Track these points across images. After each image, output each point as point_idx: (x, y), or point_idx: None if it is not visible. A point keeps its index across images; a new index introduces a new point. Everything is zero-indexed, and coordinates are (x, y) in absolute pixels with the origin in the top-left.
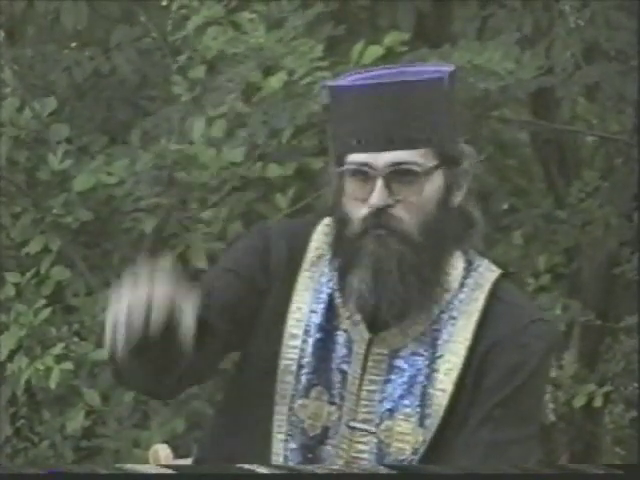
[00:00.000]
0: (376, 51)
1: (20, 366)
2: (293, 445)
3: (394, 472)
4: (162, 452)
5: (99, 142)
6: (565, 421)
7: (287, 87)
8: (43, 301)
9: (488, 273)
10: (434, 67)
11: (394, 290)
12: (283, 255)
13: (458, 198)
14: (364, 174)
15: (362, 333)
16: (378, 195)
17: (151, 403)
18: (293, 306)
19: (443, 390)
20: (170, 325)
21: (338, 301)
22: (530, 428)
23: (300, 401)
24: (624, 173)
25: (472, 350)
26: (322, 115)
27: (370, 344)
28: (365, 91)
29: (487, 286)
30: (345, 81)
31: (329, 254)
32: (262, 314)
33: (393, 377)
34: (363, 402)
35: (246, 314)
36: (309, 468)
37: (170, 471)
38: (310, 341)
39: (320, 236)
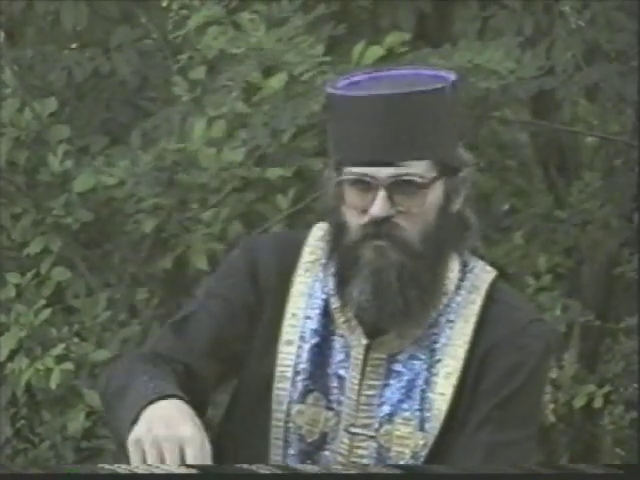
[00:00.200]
0: (377, 51)
1: (20, 367)
2: (291, 451)
3: (396, 472)
4: None
5: (99, 143)
6: (565, 422)
7: (288, 87)
8: (43, 302)
9: (484, 274)
10: (435, 72)
11: (394, 302)
12: (272, 268)
13: (457, 205)
14: (365, 184)
15: (360, 338)
16: (380, 206)
17: None
18: (288, 313)
19: (442, 394)
20: None
21: (334, 306)
22: (529, 429)
23: (297, 407)
24: (624, 174)
25: (471, 353)
26: (323, 115)
27: (368, 349)
28: (365, 102)
29: (483, 288)
30: (344, 90)
31: (324, 259)
32: (257, 330)
33: (392, 381)
34: (362, 407)
35: (236, 342)
36: (310, 468)
37: (170, 471)
38: (306, 347)
39: (314, 241)
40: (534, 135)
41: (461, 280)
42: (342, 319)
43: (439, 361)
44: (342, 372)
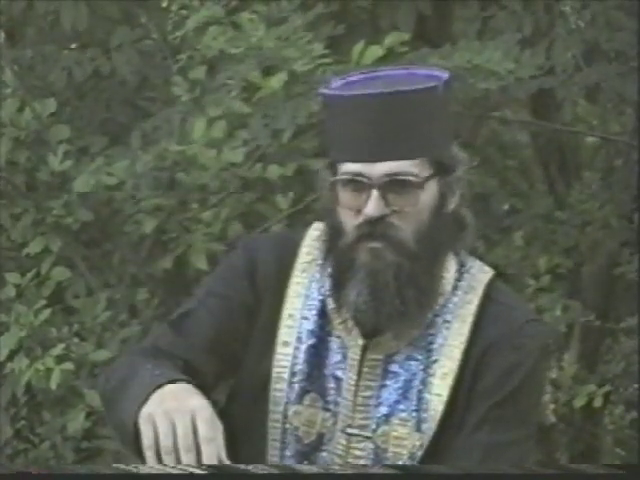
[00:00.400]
0: (376, 51)
1: (20, 367)
2: (288, 452)
3: (394, 472)
4: None
5: (99, 143)
6: (565, 422)
7: (287, 87)
8: (43, 302)
9: (481, 275)
10: (429, 71)
11: (392, 303)
12: (271, 268)
13: (452, 205)
14: (359, 184)
15: (356, 339)
16: (374, 205)
17: None
18: (285, 313)
19: (439, 394)
20: None
21: (330, 307)
22: (527, 429)
23: (294, 408)
24: (624, 174)
25: (467, 353)
26: (322, 115)
27: (365, 350)
28: (359, 101)
29: (480, 288)
30: (339, 90)
31: (320, 260)
32: (255, 330)
33: (388, 382)
34: (359, 408)
35: (235, 341)
36: (309, 468)
37: (170, 471)
38: (302, 348)
39: (311, 241)
40: (534, 135)
41: (458, 280)
42: (338, 320)
43: (435, 361)
44: (339, 373)
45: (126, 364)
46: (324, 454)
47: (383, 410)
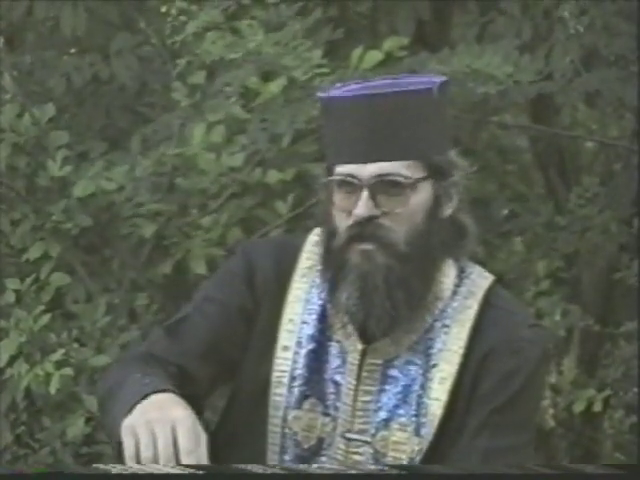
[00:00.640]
0: (375, 56)
1: (20, 372)
2: (287, 457)
3: (395, 472)
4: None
5: (99, 148)
6: (565, 426)
7: (286, 92)
8: (43, 307)
9: (480, 280)
10: (426, 78)
11: (382, 306)
12: (270, 272)
13: (449, 209)
14: (350, 185)
15: (355, 344)
16: (362, 206)
17: None
18: (285, 318)
19: (438, 399)
20: None
21: (330, 312)
22: (527, 434)
23: (293, 413)
24: (624, 179)
25: (466, 358)
26: (321, 120)
27: (364, 354)
28: (352, 102)
29: (480, 293)
30: (335, 92)
31: (319, 264)
32: (254, 334)
33: (387, 387)
34: (358, 413)
35: (232, 346)
36: (309, 468)
37: (170, 471)
38: (302, 352)
39: (311, 246)
40: (533, 140)
41: (457, 286)
42: (338, 325)
43: (434, 366)
44: (338, 378)
45: (117, 372)
46: (323, 459)
47: (382, 415)
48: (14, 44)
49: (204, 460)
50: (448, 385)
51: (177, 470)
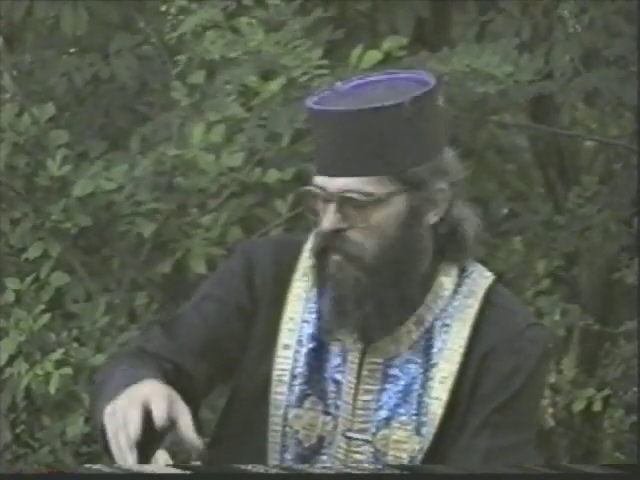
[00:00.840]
0: (375, 56)
1: (20, 372)
2: (288, 455)
3: (396, 472)
4: (161, 458)
5: (98, 148)
6: (564, 426)
7: (286, 91)
8: (42, 307)
9: (481, 279)
10: (417, 77)
11: (353, 315)
12: (269, 271)
13: (434, 217)
14: (321, 196)
15: (355, 342)
16: (328, 219)
17: None
18: (286, 317)
19: (438, 398)
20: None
21: None
22: (528, 433)
23: (294, 411)
24: (623, 178)
25: (467, 357)
26: None
27: (364, 353)
28: (323, 117)
29: (480, 292)
30: (314, 103)
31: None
32: (253, 333)
33: (388, 386)
34: (359, 411)
35: (230, 345)
36: (309, 468)
37: (170, 471)
38: (303, 351)
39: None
40: (533, 139)
41: (458, 285)
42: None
43: (435, 365)
44: (339, 376)
45: (108, 367)
46: (324, 457)
47: (383, 414)
48: (14, 44)
49: (189, 428)
50: (449, 384)
51: (177, 470)
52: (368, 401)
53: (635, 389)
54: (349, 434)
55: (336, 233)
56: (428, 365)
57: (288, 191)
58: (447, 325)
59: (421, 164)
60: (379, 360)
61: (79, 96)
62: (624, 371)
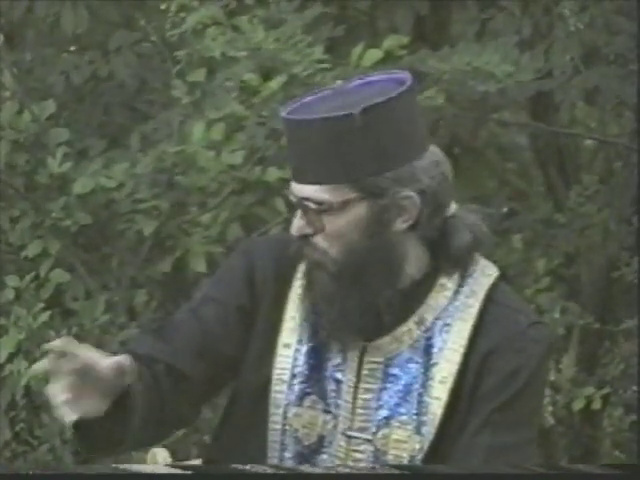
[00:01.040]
0: (376, 54)
1: (19, 369)
2: (288, 454)
3: (396, 472)
4: (160, 455)
5: (98, 146)
6: (564, 424)
7: (286, 88)
8: (42, 304)
9: (483, 278)
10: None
11: (327, 316)
12: (270, 270)
13: (404, 224)
14: (293, 202)
15: (355, 341)
16: (295, 224)
17: None
18: (287, 316)
19: (438, 398)
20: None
21: None
22: (529, 432)
23: (294, 410)
24: (623, 177)
25: (468, 356)
26: None
27: (364, 352)
28: (289, 125)
29: (482, 292)
30: (286, 112)
31: None
32: (253, 333)
33: (388, 385)
34: (359, 410)
35: (229, 346)
36: (309, 468)
37: (169, 471)
38: (303, 350)
39: None
40: (533, 138)
41: (460, 285)
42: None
43: (435, 365)
44: (339, 375)
45: None
46: (324, 456)
47: (383, 413)
48: (14, 41)
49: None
50: (449, 384)
51: (177, 470)
52: (368, 400)
53: (635, 388)
54: (349, 433)
55: (304, 238)
56: (429, 364)
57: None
58: (448, 325)
59: (381, 173)
60: (379, 359)
61: (79, 94)
62: (624, 370)
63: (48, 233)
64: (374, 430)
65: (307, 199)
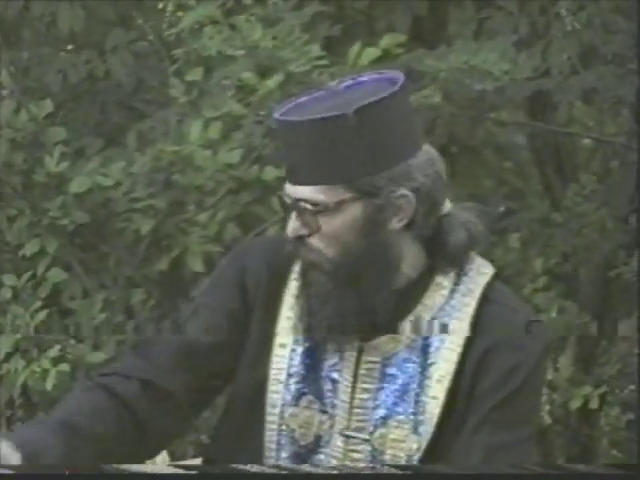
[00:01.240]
0: (373, 53)
1: (16, 368)
2: (284, 454)
3: (394, 472)
4: (159, 455)
5: (95, 144)
6: (561, 424)
7: (283, 87)
8: (39, 303)
9: (479, 277)
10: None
11: (321, 315)
12: (262, 272)
13: (400, 223)
14: (288, 203)
15: (352, 341)
16: (290, 225)
17: None
18: (282, 316)
19: (435, 397)
20: None
21: None
22: (528, 430)
23: (290, 410)
24: (621, 176)
25: (465, 356)
26: None
27: (361, 352)
28: (280, 127)
29: (478, 290)
30: (280, 112)
31: None
32: (250, 334)
33: (386, 385)
34: (356, 410)
35: (225, 353)
36: (307, 468)
37: (170, 471)
38: (299, 350)
39: None
40: (530, 137)
41: (456, 284)
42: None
43: (432, 364)
44: (335, 375)
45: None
46: (321, 456)
47: (380, 412)
48: (11, 40)
49: None
50: (446, 383)
51: (176, 470)
52: (365, 400)
53: (632, 387)
54: (346, 433)
55: (299, 239)
56: (426, 364)
57: None
58: (444, 324)
59: (375, 173)
60: (376, 359)
61: (75, 93)
62: (621, 369)
63: (45, 232)
64: (371, 430)
65: (302, 200)
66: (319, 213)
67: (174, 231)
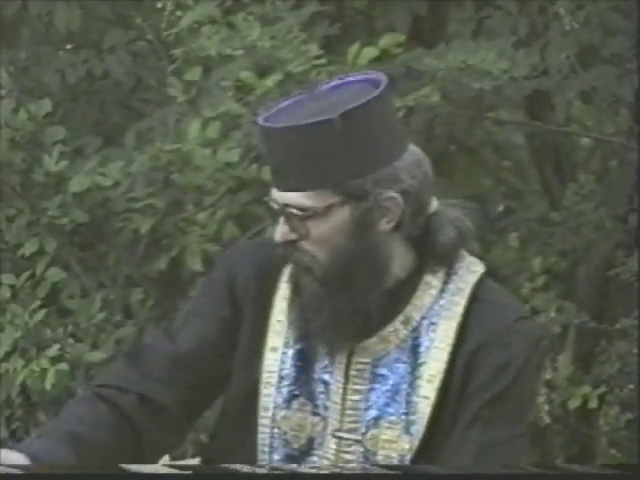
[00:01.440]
0: (372, 52)
1: (15, 368)
2: (276, 456)
3: (389, 472)
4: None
5: (94, 144)
6: (560, 423)
7: (282, 86)
8: (38, 303)
9: (468, 276)
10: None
11: (315, 319)
12: (251, 276)
13: (388, 225)
14: (275, 209)
15: (343, 342)
16: (279, 231)
17: None
18: (273, 319)
19: (426, 397)
20: None
21: None
22: (520, 427)
23: (282, 413)
24: (619, 175)
25: (455, 355)
26: None
27: (351, 353)
28: (263, 134)
29: (467, 289)
30: (262, 119)
31: None
32: (241, 338)
33: (377, 385)
34: (348, 412)
35: (216, 359)
36: (300, 468)
37: (169, 471)
38: (290, 352)
39: None
40: (529, 136)
41: (445, 283)
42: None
43: (423, 364)
44: (326, 377)
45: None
46: (314, 458)
47: (372, 413)
48: (9, 40)
49: None
50: (436, 383)
51: (176, 470)
52: (357, 401)
53: (631, 386)
54: (339, 434)
55: (289, 244)
56: (416, 364)
57: None
58: (434, 324)
59: (362, 176)
60: (367, 360)
61: (74, 92)
62: (620, 368)
63: (44, 231)
64: (363, 431)
65: (290, 206)
66: (307, 218)
67: (173, 230)
